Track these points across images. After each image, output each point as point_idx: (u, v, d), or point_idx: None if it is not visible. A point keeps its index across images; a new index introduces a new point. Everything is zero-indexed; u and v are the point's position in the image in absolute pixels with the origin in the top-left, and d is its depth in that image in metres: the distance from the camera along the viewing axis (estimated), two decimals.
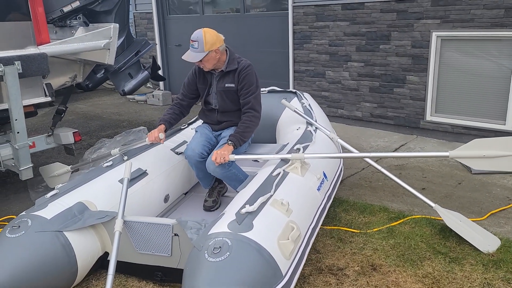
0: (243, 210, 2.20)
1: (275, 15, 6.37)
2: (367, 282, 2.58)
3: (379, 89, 5.51)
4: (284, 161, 2.85)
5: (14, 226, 2.35)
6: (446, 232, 3.04)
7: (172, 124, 3.18)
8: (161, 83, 8.17)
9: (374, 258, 2.80)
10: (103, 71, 4.81)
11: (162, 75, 5.51)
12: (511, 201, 3.52)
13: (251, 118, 3.01)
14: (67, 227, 2.39)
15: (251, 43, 6.73)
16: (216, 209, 3.28)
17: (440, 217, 3.10)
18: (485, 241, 2.87)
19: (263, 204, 2.31)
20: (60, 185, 2.82)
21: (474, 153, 2.78)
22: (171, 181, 3.24)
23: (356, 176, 4.19)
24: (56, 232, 2.35)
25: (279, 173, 2.66)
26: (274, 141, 3.91)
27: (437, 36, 4.87)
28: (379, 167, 3.32)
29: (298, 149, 3.00)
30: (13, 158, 3.65)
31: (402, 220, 3.24)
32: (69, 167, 3.77)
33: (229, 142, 2.90)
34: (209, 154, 3.17)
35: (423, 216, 3.29)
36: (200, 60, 2.91)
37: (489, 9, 4.50)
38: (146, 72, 5.15)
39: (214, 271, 1.87)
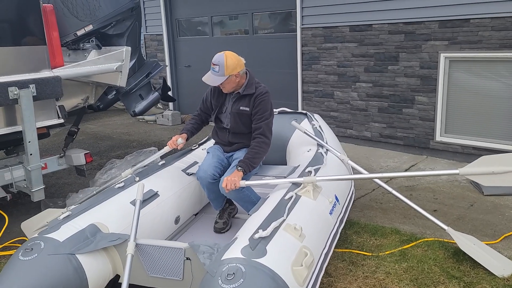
0: (256, 235, 2.17)
1: (284, 36, 6.46)
2: None
3: (388, 110, 5.52)
4: (296, 184, 2.83)
5: (27, 249, 2.34)
6: (459, 255, 2.99)
7: (194, 134, 3.33)
8: (170, 103, 8.25)
9: (387, 282, 2.76)
10: (114, 93, 4.88)
11: (172, 96, 5.57)
12: None
13: (261, 144, 3.01)
14: (80, 250, 2.38)
15: (260, 64, 6.81)
16: (226, 231, 3.26)
17: (453, 240, 3.07)
18: (500, 265, 2.83)
19: (276, 229, 2.28)
20: (73, 206, 2.82)
21: (483, 170, 2.77)
22: (182, 202, 3.23)
23: (367, 197, 4.17)
24: (69, 255, 2.34)
25: (292, 196, 2.64)
26: (284, 162, 3.89)
27: (445, 58, 4.90)
28: (389, 189, 3.30)
29: (310, 172, 2.98)
30: (25, 180, 3.69)
31: (414, 243, 3.20)
32: (64, 209, 3.16)
33: (239, 168, 2.89)
34: (220, 176, 3.17)
35: (436, 239, 3.25)
36: (220, 84, 2.96)
37: (497, 30, 4.53)
38: (156, 93, 5.20)
39: None
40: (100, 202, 2.83)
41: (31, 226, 3.33)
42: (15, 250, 3.38)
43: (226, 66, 2.88)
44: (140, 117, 8.22)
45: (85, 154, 4.06)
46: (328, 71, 5.94)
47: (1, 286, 2.18)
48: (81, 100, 4.26)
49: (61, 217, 2.65)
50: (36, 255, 2.29)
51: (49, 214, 3.33)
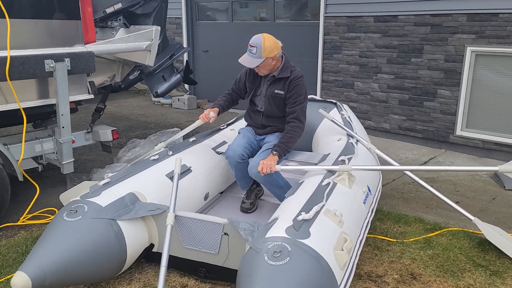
0: (300, 217, 2.20)
1: (306, 24, 6.46)
2: None
3: (408, 102, 5.53)
4: (331, 171, 2.85)
5: (72, 210, 2.41)
6: (485, 245, 3.04)
7: (225, 110, 3.33)
8: (189, 87, 8.27)
9: (413, 267, 2.81)
10: (136, 73, 4.91)
11: (194, 79, 5.59)
12: None
13: (295, 128, 3.02)
14: (121, 216, 2.45)
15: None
16: (253, 211, 3.32)
17: (478, 230, 3.11)
18: None
19: (317, 213, 2.31)
20: (111, 174, 2.88)
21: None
22: (211, 179, 3.30)
23: (388, 186, 4.20)
24: (110, 220, 2.41)
25: (329, 183, 2.65)
26: (309, 149, 3.90)
27: (471, 51, 4.89)
28: (422, 182, 3.29)
29: (343, 161, 2.98)
30: (54, 152, 3.74)
31: (438, 232, 3.25)
32: (100, 183, 3.24)
33: (274, 152, 2.90)
34: (249, 156, 3.23)
35: (460, 228, 3.30)
36: (256, 66, 2.96)
37: None
38: (179, 75, 5.24)
39: (274, 274, 1.88)
40: (137, 172, 2.91)
41: (69, 197, 3.42)
42: (44, 220, 3.49)
43: (264, 48, 2.89)
44: (156, 99, 8.27)
45: (112, 130, 4.11)
46: (349, 61, 5.94)
47: (47, 243, 2.26)
48: (108, 78, 4.29)
49: (101, 183, 2.73)
50: (80, 217, 2.37)
51: (87, 187, 3.40)
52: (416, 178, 3.33)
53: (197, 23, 8.05)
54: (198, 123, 3.33)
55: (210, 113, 3.18)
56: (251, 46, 2.92)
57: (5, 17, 3.07)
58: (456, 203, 3.77)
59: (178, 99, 7.83)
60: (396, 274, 2.74)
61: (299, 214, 2.25)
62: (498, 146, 4.89)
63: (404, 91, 5.54)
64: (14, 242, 3.13)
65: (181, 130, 3.57)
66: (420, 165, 4.79)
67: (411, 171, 3.28)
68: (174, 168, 2.72)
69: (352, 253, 2.35)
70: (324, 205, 2.39)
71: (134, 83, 5.25)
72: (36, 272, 2.11)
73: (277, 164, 2.92)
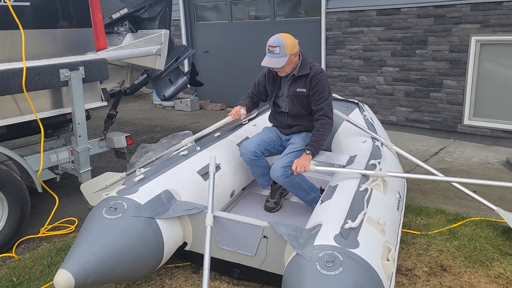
0: (347, 226, 2.16)
1: (307, 21, 6.47)
2: (440, 282, 2.62)
3: (414, 94, 5.57)
4: (365, 176, 2.79)
5: (111, 208, 2.41)
6: (509, 234, 3.08)
7: (250, 110, 3.34)
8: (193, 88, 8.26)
9: (442, 259, 2.84)
10: (142, 77, 4.90)
11: (200, 81, 5.58)
12: None
13: (325, 125, 3.00)
14: (159, 215, 2.46)
15: None
16: (277, 210, 3.32)
17: (501, 219, 3.14)
18: None
19: (362, 221, 2.27)
20: (144, 170, 2.89)
21: None
22: (237, 176, 3.31)
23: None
24: (149, 219, 2.42)
25: (366, 188, 2.61)
26: (328, 149, 3.81)
27: (476, 41, 4.94)
28: (462, 187, 3.26)
29: (374, 165, 2.92)
30: (69, 162, 3.73)
31: (461, 222, 3.28)
32: (123, 174, 3.52)
33: (307, 152, 2.89)
34: (264, 154, 3.22)
35: (483, 218, 3.33)
36: (283, 66, 2.93)
37: None
38: (185, 78, 5.23)
39: (329, 284, 1.86)
40: (168, 168, 2.92)
41: (90, 188, 3.51)
42: (65, 230, 3.48)
43: (287, 46, 2.88)
44: (158, 102, 8.25)
45: (126, 136, 4.11)
46: (353, 56, 5.97)
47: (88, 240, 2.25)
48: (117, 84, 4.29)
49: (136, 179, 2.74)
50: (120, 215, 2.37)
51: (107, 177, 3.50)
52: (463, 188, 3.26)
53: (195, 24, 8.03)
54: (228, 119, 3.34)
55: (241, 110, 3.20)
56: (273, 47, 2.89)
57: (19, 29, 3.05)
58: (474, 192, 3.83)
59: (181, 101, 7.81)
60: (426, 267, 2.76)
61: (345, 222, 2.21)
62: (506, 133, 4.95)
63: (410, 83, 5.57)
64: (38, 254, 3.12)
65: (193, 134, 3.57)
66: (430, 157, 4.83)
67: (450, 182, 3.12)
68: (210, 167, 2.72)
69: (395, 261, 2.30)
70: (365, 212, 2.35)
71: (140, 88, 5.23)
72: (79, 270, 2.11)
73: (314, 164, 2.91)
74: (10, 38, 3.07)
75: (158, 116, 7.39)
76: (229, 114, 3.25)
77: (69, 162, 3.72)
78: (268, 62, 2.93)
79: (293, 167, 2.84)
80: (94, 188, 3.47)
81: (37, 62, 3.19)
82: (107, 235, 2.27)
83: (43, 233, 3.43)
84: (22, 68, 3.04)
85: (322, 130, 2.98)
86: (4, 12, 3.00)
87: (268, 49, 2.91)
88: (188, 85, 5.45)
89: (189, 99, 7.73)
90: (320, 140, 2.97)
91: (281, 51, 2.87)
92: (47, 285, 2.75)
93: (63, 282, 2.06)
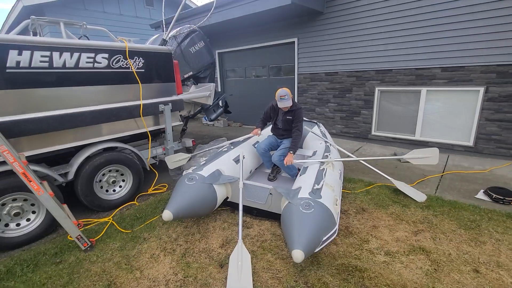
0: (315, 187, 2.23)
1: (287, 78, 6.49)
2: (362, 216, 2.72)
3: (345, 118, 5.62)
4: (322, 162, 2.81)
5: (190, 178, 2.47)
6: (397, 192, 3.16)
7: (262, 129, 3.34)
8: (226, 115, 8.27)
9: (362, 205, 2.92)
10: (199, 108, 4.97)
11: (230, 110, 5.68)
12: (425, 176, 3.61)
13: (298, 135, 3.01)
14: (214, 182, 2.51)
15: (273, 94, 6.85)
16: (275, 180, 3.34)
17: (393, 184, 3.25)
18: (418, 196, 3.00)
19: (322, 184, 2.33)
20: (204, 158, 2.94)
21: (414, 156, 2.83)
22: (253, 162, 3.33)
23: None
24: (209, 184, 2.48)
25: (324, 168, 2.66)
26: (301, 147, 3.73)
27: (378, 90, 5.02)
28: (364, 162, 3.28)
29: (327, 156, 2.96)
30: (163, 154, 3.81)
31: (372, 186, 3.35)
32: (189, 155, 3.58)
33: (291, 151, 2.92)
34: (270, 150, 3.25)
35: (383, 183, 3.40)
36: (291, 105, 2.95)
37: (407, 75, 4.66)
38: (221, 109, 5.27)
39: (306, 217, 1.95)
40: (217, 157, 2.95)
41: (170, 159, 3.51)
42: (161, 190, 3.53)
43: (290, 93, 2.94)
44: (205, 122, 8.30)
45: (192, 140, 4.19)
46: (312, 97, 6.02)
47: (178, 195, 2.30)
48: (187, 112, 4.36)
49: (201, 163, 2.79)
50: (194, 182, 2.45)
51: (180, 156, 3.53)
52: (364, 163, 3.29)
53: (226, 80, 8.09)
54: (250, 135, 3.36)
55: (259, 131, 3.22)
56: (283, 95, 2.88)
57: (138, 83, 3.16)
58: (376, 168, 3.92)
59: (218, 121, 7.87)
60: (354, 209, 2.85)
61: (314, 185, 2.28)
62: (394, 139, 5.01)
63: (343, 112, 5.62)
64: (148, 203, 3.20)
65: (227, 140, 3.62)
66: (354, 152, 4.91)
67: (358, 160, 3.33)
68: (240, 157, 2.80)
69: (339, 205, 2.39)
70: (324, 180, 2.41)
71: (197, 114, 5.29)
72: (174, 209, 2.21)
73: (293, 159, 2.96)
74: (134, 88, 3.18)
75: (205, 129, 7.45)
76: (251, 132, 3.27)
77: (162, 154, 3.81)
78: (283, 104, 2.93)
79: (284, 161, 2.88)
80: (172, 160, 3.53)
81: (148, 101, 3.28)
82: (188, 192, 2.36)
83: (151, 191, 3.52)
84: (140, 104, 3.14)
85: (296, 138, 3.01)
86: (132, 75, 3.12)
87: (280, 97, 2.90)
88: (224, 113, 5.50)
89: (222, 120, 7.80)
90: (296, 144, 3.00)
91: (288, 97, 2.91)
92: (155, 217, 2.83)
93: (167, 215, 2.17)
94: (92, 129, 2.93)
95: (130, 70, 3.08)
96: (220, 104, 5.47)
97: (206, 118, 5.42)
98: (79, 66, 2.74)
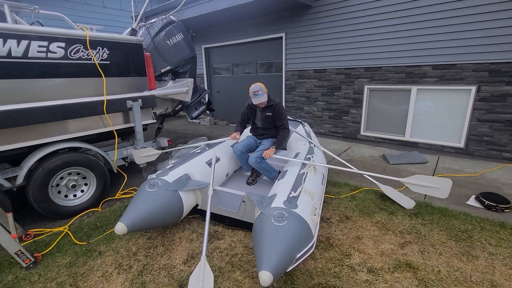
0: (291, 195, 2.05)
1: (275, 75, 6.30)
2: (345, 226, 2.51)
3: (334, 117, 5.44)
4: (304, 164, 2.64)
5: (151, 184, 2.25)
6: (383, 197, 2.99)
7: (241, 133, 3.12)
8: (209, 113, 8.04)
9: (346, 212, 2.73)
10: (180, 106, 4.69)
11: (213, 108, 5.40)
12: None
13: (286, 132, 2.88)
14: (180, 189, 2.29)
15: None
16: (254, 184, 3.14)
17: (379, 188, 3.05)
18: (407, 202, 2.82)
19: (300, 191, 2.15)
20: (173, 161, 2.71)
21: (415, 182, 2.42)
22: (230, 164, 3.12)
23: None
24: (174, 191, 2.25)
25: (304, 172, 2.48)
26: (284, 147, 3.60)
27: (367, 88, 4.83)
28: (352, 168, 3.14)
29: (309, 158, 2.76)
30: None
31: (358, 190, 3.16)
32: (159, 151, 3.32)
33: (273, 145, 2.76)
34: (248, 152, 3.04)
35: (369, 188, 3.22)
36: (266, 100, 2.76)
37: (397, 73, 4.48)
38: (204, 106, 5.01)
39: (278, 230, 1.76)
40: (188, 160, 2.74)
41: (138, 154, 3.29)
42: (130, 195, 3.27)
43: (264, 88, 2.74)
44: (191, 121, 8.00)
45: (167, 140, 3.90)
46: (300, 95, 5.82)
47: (136, 204, 2.09)
48: (163, 110, 4.07)
49: (168, 167, 2.55)
50: (156, 189, 2.22)
51: (150, 150, 3.32)
52: (354, 168, 3.18)
53: (213, 76, 7.80)
54: (227, 139, 3.13)
55: (237, 136, 2.99)
56: (256, 91, 2.70)
57: (101, 76, 2.85)
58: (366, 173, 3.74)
59: (204, 119, 7.58)
60: (337, 217, 2.65)
61: (290, 192, 2.09)
62: (383, 139, 4.85)
63: (331, 111, 5.44)
64: (113, 209, 2.93)
65: (207, 139, 3.39)
66: (342, 153, 4.71)
67: (342, 169, 3.07)
68: (212, 160, 2.55)
69: (319, 215, 2.20)
70: (303, 186, 2.23)
71: (178, 112, 5.01)
72: (129, 221, 1.97)
73: (274, 154, 2.78)
74: (97, 82, 2.87)
75: (190, 128, 7.16)
76: (229, 136, 3.04)
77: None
78: (258, 100, 2.74)
79: (264, 154, 2.71)
80: (140, 155, 3.31)
81: (113, 97, 2.98)
82: (148, 201, 2.11)
83: (118, 196, 3.25)
84: (103, 100, 2.84)
85: (283, 135, 2.86)
86: (94, 67, 2.80)
87: (254, 93, 2.73)
88: (206, 111, 5.24)
89: (208, 118, 7.51)
90: (282, 140, 2.84)
91: (262, 92, 2.72)
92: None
93: (120, 229, 1.92)
94: (46, 127, 2.60)
95: (92, 61, 2.76)
96: (203, 101, 5.19)
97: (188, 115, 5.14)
98: (29, 55, 2.41)
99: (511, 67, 3.66)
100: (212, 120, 7.69)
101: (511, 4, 3.49)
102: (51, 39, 2.51)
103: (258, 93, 2.71)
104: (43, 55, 2.48)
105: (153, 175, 2.43)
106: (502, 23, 3.56)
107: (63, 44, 2.58)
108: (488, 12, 3.63)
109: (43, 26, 2.62)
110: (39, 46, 2.45)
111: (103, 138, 3.57)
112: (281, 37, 5.73)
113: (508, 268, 1.95)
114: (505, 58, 3.65)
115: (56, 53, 2.55)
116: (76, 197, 2.87)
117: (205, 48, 7.47)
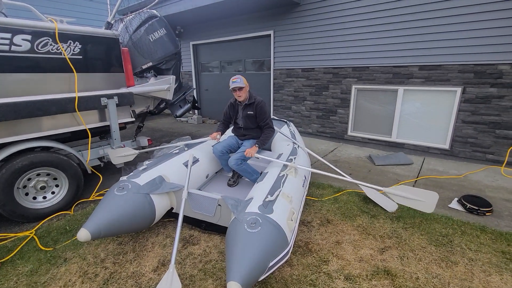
0: (267, 199, 1.96)
1: (263, 74, 6.20)
2: (325, 230, 2.44)
3: (322, 117, 5.38)
4: (285, 164, 2.56)
5: (120, 187, 2.11)
6: (366, 200, 2.93)
7: (223, 133, 3.04)
8: (196, 111, 7.89)
9: (328, 216, 2.66)
10: (164, 104, 4.54)
11: (198, 106, 5.27)
12: (399, 181, 3.43)
13: (270, 131, 2.80)
14: (152, 192, 2.17)
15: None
16: (235, 186, 3.04)
17: (362, 190, 2.99)
18: (389, 205, 2.76)
19: (277, 195, 2.06)
20: (147, 162, 2.58)
21: (397, 192, 2.36)
22: (210, 165, 3.01)
23: (312, 166, 4.02)
24: (145, 194, 2.13)
25: (284, 175, 2.39)
26: (268, 148, 3.55)
27: (355, 88, 4.78)
28: (348, 178, 3.06)
29: (291, 159, 2.68)
30: None
31: (341, 193, 3.10)
32: (136, 151, 3.18)
33: (256, 144, 2.66)
34: (228, 152, 2.94)
35: (353, 190, 3.17)
36: (241, 89, 2.66)
37: (384, 73, 4.44)
38: (189, 104, 4.87)
39: (251, 238, 1.67)
40: (164, 161, 2.60)
41: (114, 154, 3.17)
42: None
43: (242, 79, 2.68)
44: (178, 119, 7.82)
45: (147, 139, 3.76)
46: (288, 94, 5.73)
47: (103, 209, 1.96)
48: (145, 107, 3.92)
49: (140, 168, 2.42)
50: (126, 192, 2.08)
51: (127, 150, 3.19)
52: (344, 175, 3.10)
53: (201, 74, 7.64)
54: (207, 138, 3.02)
55: (218, 136, 2.89)
56: (235, 78, 2.66)
57: (73, 72, 2.69)
58: (349, 174, 3.68)
59: (191, 118, 7.42)
60: (319, 220, 2.58)
61: (266, 196, 2.00)
62: (369, 140, 4.82)
63: (319, 111, 5.38)
64: (86, 211, 2.78)
65: (191, 138, 3.27)
66: (329, 153, 4.66)
67: (325, 174, 2.97)
68: (188, 161, 2.44)
69: (297, 220, 2.13)
70: (281, 189, 2.14)
71: (163, 110, 4.85)
72: (94, 227, 1.84)
73: (257, 153, 2.68)
74: (68, 78, 2.70)
75: (177, 126, 6.99)
76: (209, 136, 2.93)
77: None
78: (235, 84, 2.67)
79: (245, 153, 2.61)
80: (116, 154, 3.19)
81: (86, 93, 2.83)
82: (115, 205, 1.98)
83: (92, 198, 3.10)
84: (75, 97, 2.68)
85: (267, 134, 2.77)
86: (65, 62, 2.63)
87: (232, 81, 2.67)
88: (191, 109, 5.10)
89: (196, 117, 7.35)
90: (265, 139, 2.75)
91: (240, 80, 2.65)
92: None
93: (83, 235, 1.79)
94: (11, 125, 2.43)
95: (62, 56, 2.59)
96: (188, 99, 5.04)
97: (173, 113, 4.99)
98: None
99: (496, 69, 3.65)
100: (200, 118, 7.54)
101: (496, 6, 3.47)
102: (15, 31, 2.34)
103: (236, 80, 2.66)
104: (6, 48, 2.31)
105: (124, 177, 2.30)
106: (488, 25, 3.55)
107: (29, 37, 2.41)
108: (473, 13, 3.61)
109: (7, 17, 2.44)
110: (1, 39, 2.28)
111: (79, 136, 3.42)
112: (270, 34, 5.63)
113: (487, 274, 1.91)
114: (490, 59, 3.64)
115: (21, 46, 2.39)
116: (46, 199, 2.71)
117: (193, 44, 7.29)
